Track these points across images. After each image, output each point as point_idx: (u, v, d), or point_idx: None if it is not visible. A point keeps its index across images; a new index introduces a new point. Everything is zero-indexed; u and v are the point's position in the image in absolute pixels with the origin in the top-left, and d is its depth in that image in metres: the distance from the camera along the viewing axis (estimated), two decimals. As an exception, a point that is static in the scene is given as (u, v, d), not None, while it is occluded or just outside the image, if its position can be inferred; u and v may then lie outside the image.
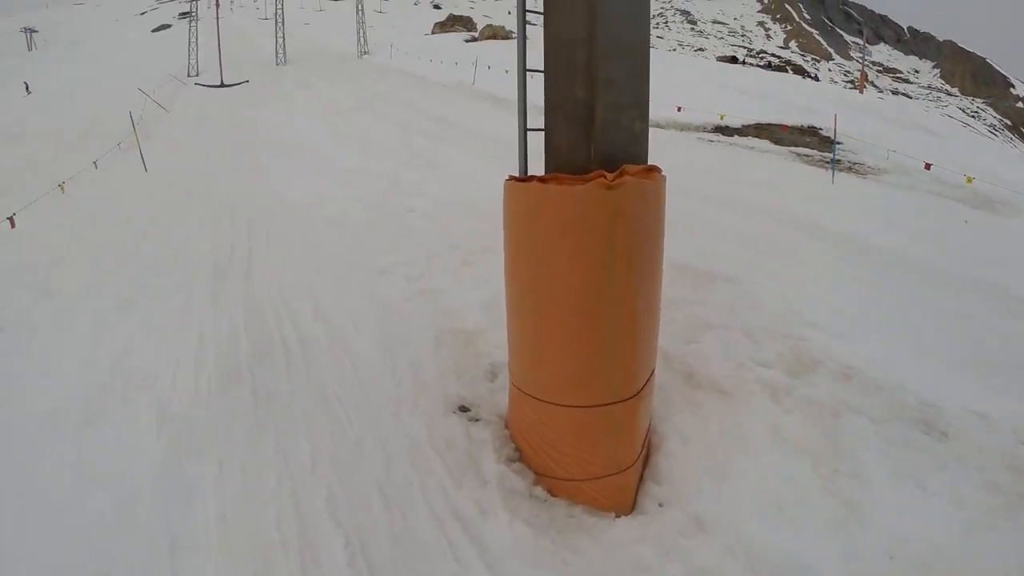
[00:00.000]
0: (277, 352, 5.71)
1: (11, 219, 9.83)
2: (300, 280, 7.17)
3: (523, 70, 3.67)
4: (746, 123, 15.32)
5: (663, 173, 3.59)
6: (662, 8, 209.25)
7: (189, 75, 35.54)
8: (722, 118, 15.32)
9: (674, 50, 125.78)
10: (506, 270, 3.91)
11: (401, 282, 6.84)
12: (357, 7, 43.56)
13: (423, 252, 7.45)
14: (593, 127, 3.35)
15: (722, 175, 11.05)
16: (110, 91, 30.23)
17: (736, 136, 14.78)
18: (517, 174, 3.75)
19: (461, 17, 56.45)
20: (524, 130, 3.67)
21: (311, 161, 13.35)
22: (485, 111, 17.57)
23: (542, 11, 3.51)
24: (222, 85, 30.87)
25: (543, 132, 3.66)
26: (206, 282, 7.52)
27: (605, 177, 3.26)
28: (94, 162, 15.31)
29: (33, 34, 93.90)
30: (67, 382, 5.64)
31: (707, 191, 9.60)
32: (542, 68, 3.58)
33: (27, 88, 37.66)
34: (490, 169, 8.98)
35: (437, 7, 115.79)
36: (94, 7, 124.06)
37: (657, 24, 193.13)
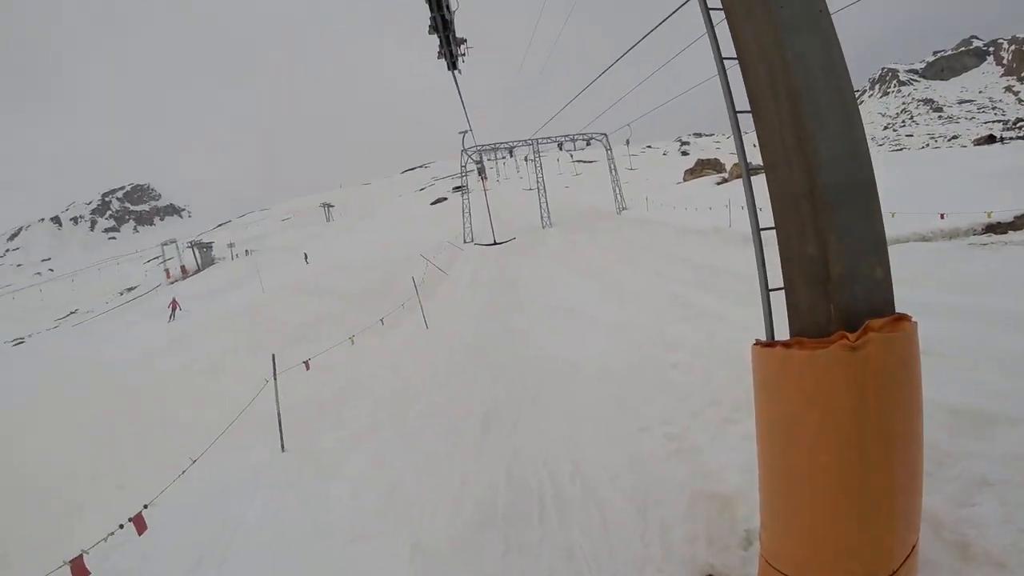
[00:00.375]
0: (532, 503, 5.92)
1: (306, 363, 11.61)
2: (562, 435, 7.32)
3: (756, 229, 3.73)
4: (1019, 215, 13.54)
5: (913, 320, 3.35)
6: (903, 104, 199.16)
7: (464, 241, 39.35)
8: (989, 216, 13.74)
9: (926, 146, 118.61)
10: (757, 436, 3.77)
11: (660, 439, 6.76)
12: (610, 167, 46.83)
13: (684, 408, 7.33)
14: (829, 282, 3.26)
15: (1004, 286, 9.47)
16: (395, 256, 35.13)
17: (1010, 232, 13.17)
18: (764, 337, 3.66)
19: (709, 160, 56.80)
20: (766, 290, 3.67)
21: (575, 317, 13.75)
22: (742, 253, 17.29)
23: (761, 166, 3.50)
24: (494, 243, 34.98)
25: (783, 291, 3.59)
26: (474, 432, 7.99)
27: (847, 338, 3.12)
28: (381, 319, 17.34)
29: (330, 208, 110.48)
30: (342, 502, 6.72)
31: (988, 309, 8.38)
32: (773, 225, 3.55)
33: (306, 259, 43.52)
34: (748, 315, 9.01)
35: (685, 153, 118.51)
36: (380, 186, 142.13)
37: (903, 122, 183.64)
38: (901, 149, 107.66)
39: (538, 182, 44.20)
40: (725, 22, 3.63)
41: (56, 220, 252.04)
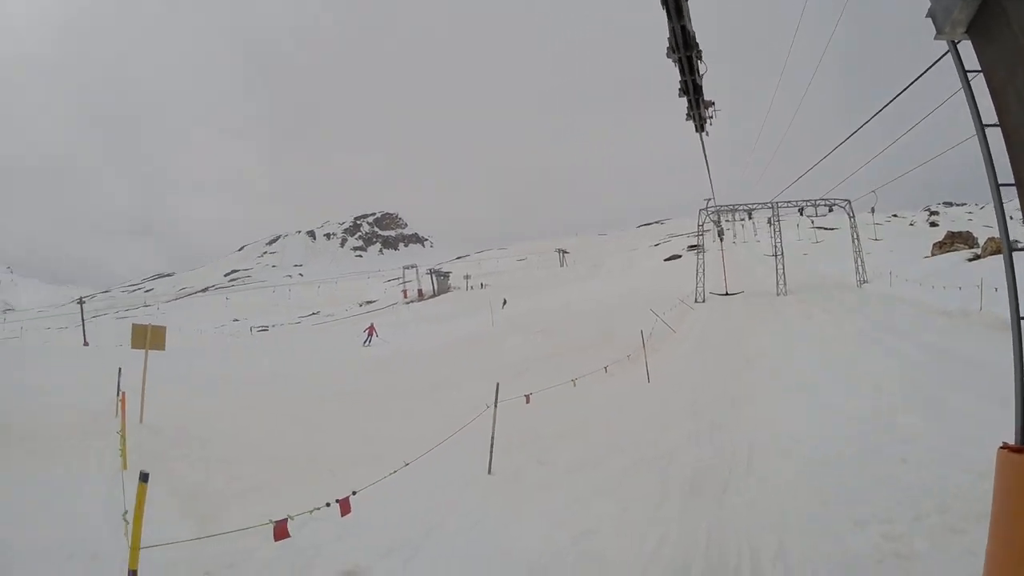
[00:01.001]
0: None
1: (527, 396, 12.34)
2: (771, 512, 6.96)
3: (1017, 317, 3.42)
4: None
5: None
6: None
7: (696, 301, 38.76)
8: None
9: None
10: (989, 551, 3.40)
11: (876, 538, 6.17)
12: (853, 236, 44.11)
13: (907, 509, 6.67)
14: None
15: None
16: (624, 307, 35.38)
17: None
18: (1012, 441, 3.30)
19: (960, 233, 51.65)
20: (1021, 386, 3.30)
21: (801, 393, 13.02)
22: (993, 341, 15.80)
23: None
24: (726, 294, 36.97)
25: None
26: (681, 493, 7.82)
27: None
28: (605, 367, 17.56)
29: (565, 254, 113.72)
30: (534, 534, 7.03)
31: None
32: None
33: (504, 304, 45.03)
34: (998, 416, 8.20)
35: (934, 224, 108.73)
36: (615, 238, 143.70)
37: None
38: None
39: (775, 246, 42.73)
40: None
41: (311, 234, 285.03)
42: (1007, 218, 3.58)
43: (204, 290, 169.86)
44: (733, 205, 44.83)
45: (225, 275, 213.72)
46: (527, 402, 12.16)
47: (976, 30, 3.25)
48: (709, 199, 42.26)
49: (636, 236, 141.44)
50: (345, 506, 6.41)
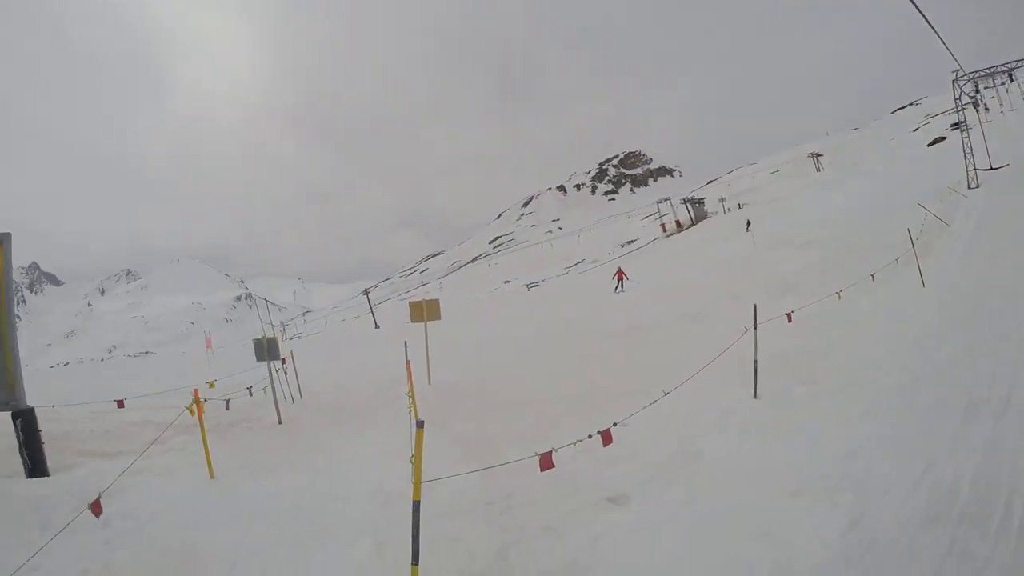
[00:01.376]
0: (995, 509, 5.22)
1: (789, 315, 12.42)
2: None
3: None
4: None
5: None
6: None
7: (968, 187, 34.59)
8: None
9: None
10: None
11: None
12: None
13: None
14: None
15: None
16: (889, 206, 33.04)
17: None
18: None
19: None
20: None
21: None
22: None
23: None
24: (991, 168, 33.55)
25: None
26: (955, 416, 7.24)
27: None
28: (872, 275, 16.84)
29: (819, 158, 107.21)
30: (796, 455, 7.10)
31: None
32: None
33: (748, 226, 42.80)
34: None
35: None
36: (870, 130, 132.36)
37: None
38: None
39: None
40: None
41: (561, 188, 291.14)
42: None
43: (473, 260, 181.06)
44: (990, 68, 38.64)
45: (489, 243, 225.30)
46: (789, 321, 12.12)
47: None
48: (957, 70, 36.73)
49: (891, 123, 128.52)
50: (607, 437, 6.77)
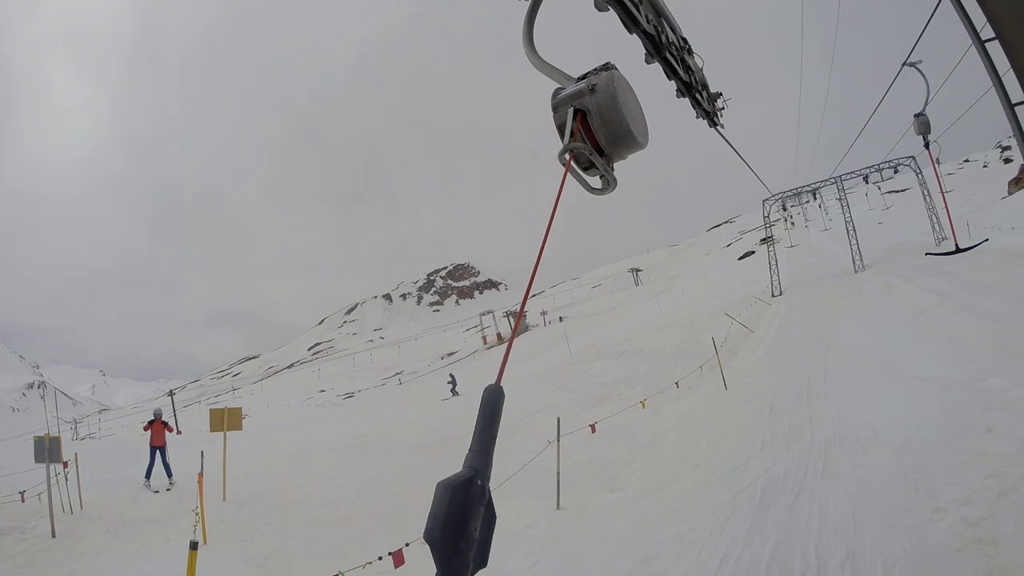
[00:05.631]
0: None
1: (592, 426, 12.54)
2: (844, 515, 6.71)
3: None
4: None
5: None
6: None
7: (773, 295, 37.71)
8: None
9: None
10: None
11: (956, 524, 5.85)
12: (923, 193, 42.52)
13: (992, 486, 6.29)
14: None
15: None
16: (701, 314, 35.26)
17: None
18: None
19: None
20: None
21: (883, 373, 12.54)
22: None
23: None
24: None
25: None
26: (751, 505, 7.63)
27: None
28: (676, 383, 17.46)
29: (638, 272, 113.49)
30: (597, 566, 7.08)
31: None
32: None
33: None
34: None
35: (1008, 160, 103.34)
36: (687, 246, 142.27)
37: None
38: None
39: (847, 222, 41.47)
40: None
41: (387, 297, 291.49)
42: None
43: (290, 366, 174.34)
44: (795, 189, 43.68)
45: (308, 349, 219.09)
46: (592, 431, 12.46)
47: None
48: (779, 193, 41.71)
49: (707, 240, 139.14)
50: (398, 558, 6.62)
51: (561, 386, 26.31)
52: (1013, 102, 3.10)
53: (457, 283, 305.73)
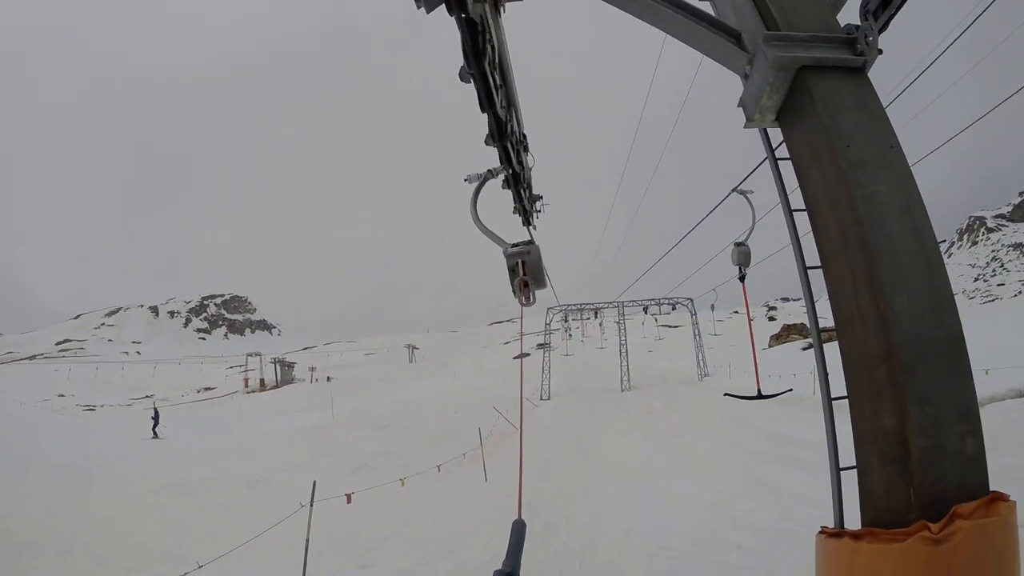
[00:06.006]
0: None
1: (348, 496, 11.37)
2: None
3: (828, 398, 3.37)
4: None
5: (1012, 499, 2.77)
6: (993, 252, 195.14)
7: (541, 398, 38.92)
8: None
9: (1019, 293, 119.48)
10: None
11: None
12: (694, 332, 46.64)
13: None
14: (909, 461, 2.72)
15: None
16: (469, 404, 35.38)
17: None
18: (832, 524, 3.20)
19: (795, 325, 56.42)
20: (836, 470, 3.30)
21: (640, 486, 12.97)
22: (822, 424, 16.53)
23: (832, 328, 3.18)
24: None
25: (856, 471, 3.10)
26: None
27: (929, 529, 2.60)
28: (438, 466, 16.94)
29: (414, 350, 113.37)
30: None
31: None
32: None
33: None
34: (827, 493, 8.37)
35: (772, 319, 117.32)
36: (466, 335, 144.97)
37: (994, 271, 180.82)
38: (993, 300, 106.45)
39: (621, 344, 43.98)
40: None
41: (154, 309, 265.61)
42: (815, 307, 3.64)
43: (32, 358, 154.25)
44: (580, 305, 46.37)
45: (56, 344, 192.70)
46: (348, 502, 11.42)
47: (785, 116, 3.41)
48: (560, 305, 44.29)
49: (487, 334, 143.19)
50: None
51: (318, 448, 25.07)
52: (807, 266, 3.46)
53: (231, 315, 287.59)
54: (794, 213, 3.54)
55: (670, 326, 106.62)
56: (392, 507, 13.51)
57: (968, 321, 3.07)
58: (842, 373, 3.16)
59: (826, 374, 3.50)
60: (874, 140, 3.04)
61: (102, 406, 64.28)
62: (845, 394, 3.15)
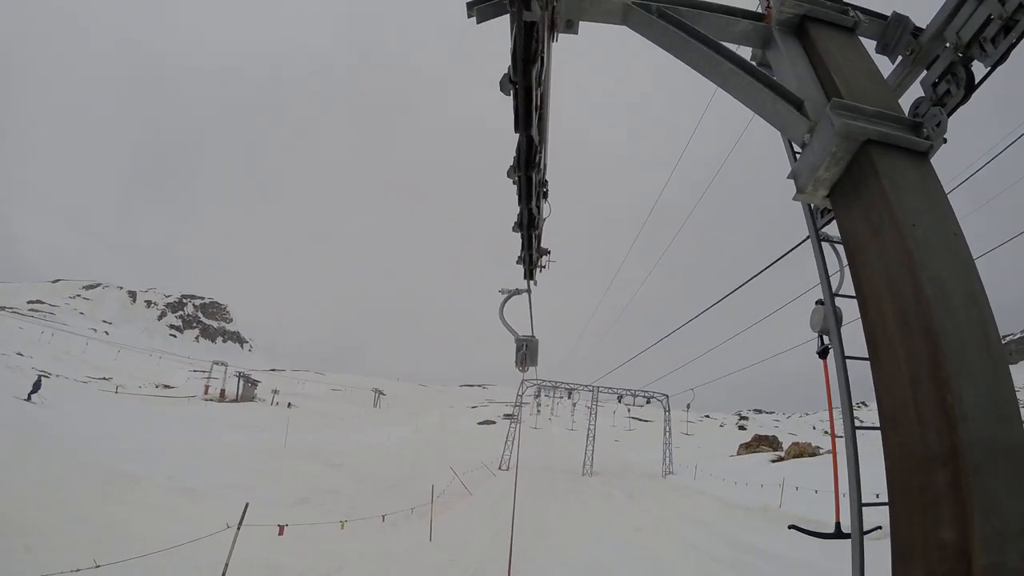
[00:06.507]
0: None
1: (281, 528, 10.47)
2: None
3: (858, 506, 3.06)
4: None
5: None
6: None
7: (500, 468, 38.21)
8: None
9: None
10: None
11: None
12: (665, 428, 46.27)
13: None
14: None
15: None
16: (428, 460, 35.27)
17: None
18: None
19: (766, 437, 55.81)
20: None
21: None
22: (794, 539, 16.28)
23: (875, 425, 2.84)
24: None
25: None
26: None
27: None
28: (382, 516, 16.01)
29: (381, 395, 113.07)
30: None
31: None
32: (884, 501, 2.77)
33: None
34: None
35: (743, 428, 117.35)
36: (436, 392, 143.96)
37: None
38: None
39: (590, 428, 43.51)
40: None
41: (132, 294, 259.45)
42: (851, 401, 3.43)
43: (2, 308, 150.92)
44: (555, 382, 45.93)
45: (28, 302, 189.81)
46: (280, 533, 10.51)
47: (840, 191, 3.23)
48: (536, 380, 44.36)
49: (456, 395, 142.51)
50: None
51: (265, 472, 24.19)
52: (846, 355, 3.40)
53: (206, 319, 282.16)
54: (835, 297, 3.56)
55: (641, 419, 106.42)
56: (327, 548, 12.74)
57: None
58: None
59: (858, 479, 3.23)
60: (938, 224, 2.82)
61: (58, 376, 62.75)
62: (884, 502, 2.75)
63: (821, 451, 42.71)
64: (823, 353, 8.51)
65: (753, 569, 12.84)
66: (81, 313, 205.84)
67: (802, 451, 42.41)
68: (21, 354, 75.54)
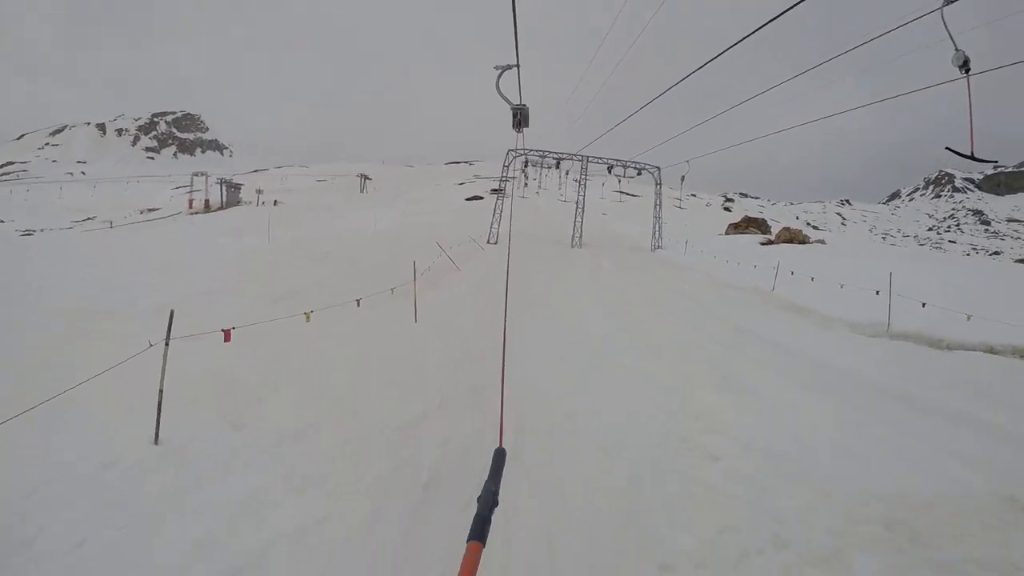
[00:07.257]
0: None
1: (226, 332, 8.35)
2: (535, 542, 5.00)
3: None
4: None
5: None
6: (953, 210, 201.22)
7: (488, 242, 38.37)
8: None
9: (968, 254, 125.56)
10: None
11: None
12: (656, 201, 45.46)
13: (730, 544, 4.92)
14: None
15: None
16: (415, 239, 34.65)
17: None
18: None
19: (756, 219, 55.93)
20: None
21: (587, 353, 11.56)
22: (787, 322, 16.26)
23: None
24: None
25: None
26: (413, 488, 5.86)
27: None
28: (357, 300, 13.69)
29: (367, 180, 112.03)
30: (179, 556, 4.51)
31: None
32: None
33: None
34: (808, 401, 8.01)
35: (728, 209, 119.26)
36: (422, 171, 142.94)
37: (948, 227, 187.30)
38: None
39: (579, 199, 42.91)
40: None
41: (101, 127, 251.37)
42: None
43: None
44: (542, 152, 43.93)
45: None
46: (226, 339, 8.38)
47: None
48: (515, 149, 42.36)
49: (442, 173, 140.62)
50: None
51: (246, 273, 22.89)
52: None
53: (182, 134, 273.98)
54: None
55: (630, 194, 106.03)
56: (293, 347, 11.28)
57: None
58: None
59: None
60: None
61: (42, 230, 61.82)
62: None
63: (810, 240, 42.74)
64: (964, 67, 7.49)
65: (746, 351, 12.43)
66: (54, 161, 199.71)
67: (792, 237, 42.37)
68: (2, 220, 74.10)
